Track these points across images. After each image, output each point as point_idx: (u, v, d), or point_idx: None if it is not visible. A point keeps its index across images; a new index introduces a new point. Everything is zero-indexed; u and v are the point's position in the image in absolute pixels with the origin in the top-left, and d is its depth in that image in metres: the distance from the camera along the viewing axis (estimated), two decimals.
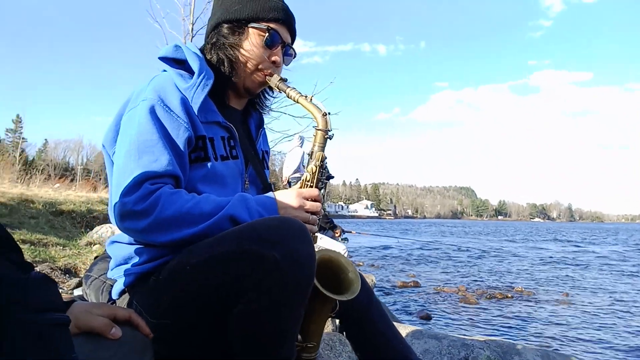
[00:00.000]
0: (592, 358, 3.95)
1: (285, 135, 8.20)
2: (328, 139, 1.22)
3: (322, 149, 1.21)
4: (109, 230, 6.43)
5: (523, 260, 13.65)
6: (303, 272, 0.93)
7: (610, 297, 7.43)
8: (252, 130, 1.41)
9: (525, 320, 5.57)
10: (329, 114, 1.21)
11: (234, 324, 0.95)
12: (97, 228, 6.82)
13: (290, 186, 8.48)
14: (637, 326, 5.34)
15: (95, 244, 5.98)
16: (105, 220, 8.35)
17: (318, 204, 1.17)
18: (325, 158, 1.22)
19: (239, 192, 1.24)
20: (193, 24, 7.50)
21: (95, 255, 4.93)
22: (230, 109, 1.30)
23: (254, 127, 1.43)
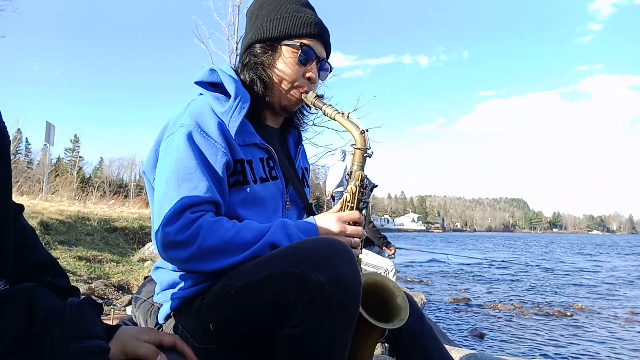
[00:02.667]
0: None
1: (329, 150, 8.20)
2: (367, 157, 1.17)
3: (362, 168, 1.16)
4: None
5: (584, 275, 12.89)
6: (348, 296, 0.89)
7: None
8: (290, 148, 1.39)
9: (587, 340, 5.21)
10: (367, 131, 1.17)
11: (279, 348, 0.92)
12: (148, 244, 7.04)
13: (334, 200, 8.48)
14: None
15: (147, 260, 6.16)
16: None
17: (360, 228, 1.12)
18: (366, 177, 1.17)
19: (280, 213, 1.22)
20: (237, 43, 7.69)
21: (145, 274, 5.07)
22: (267, 128, 1.28)
23: (293, 144, 1.40)
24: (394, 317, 1.09)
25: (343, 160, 8.18)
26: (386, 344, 2.38)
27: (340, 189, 7.96)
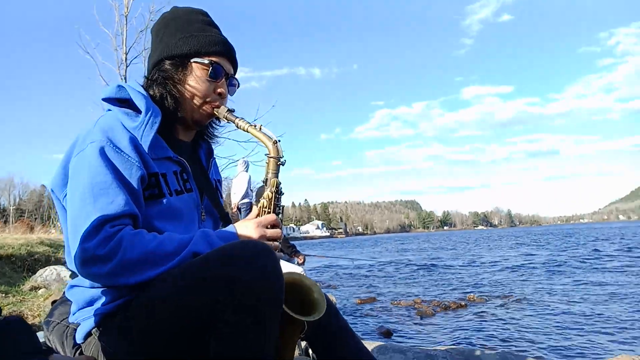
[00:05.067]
0: (549, 356, 4.12)
1: (231, 161, 8.12)
2: (281, 165, 1.24)
3: (276, 175, 1.23)
4: (53, 272, 6.07)
5: (473, 269, 14.12)
6: (274, 289, 0.95)
7: (562, 297, 7.81)
8: (202, 160, 1.42)
9: (481, 326, 5.75)
10: (279, 141, 1.24)
11: (213, 350, 0.94)
12: (40, 271, 6.41)
13: (240, 212, 8.37)
14: (586, 323, 5.65)
15: (40, 288, 5.60)
16: (48, 262, 7.84)
17: (278, 230, 1.19)
18: (280, 184, 1.24)
19: (196, 224, 1.24)
20: (127, 54, 7.36)
21: (40, 302, 4.63)
22: (179, 142, 1.30)
23: (204, 157, 1.43)
24: (313, 311, 1.17)
25: (247, 171, 8.12)
26: (302, 343, 2.46)
27: (246, 200, 7.89)
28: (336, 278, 13.07)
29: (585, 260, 13.93)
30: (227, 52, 1.29)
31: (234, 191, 8.00)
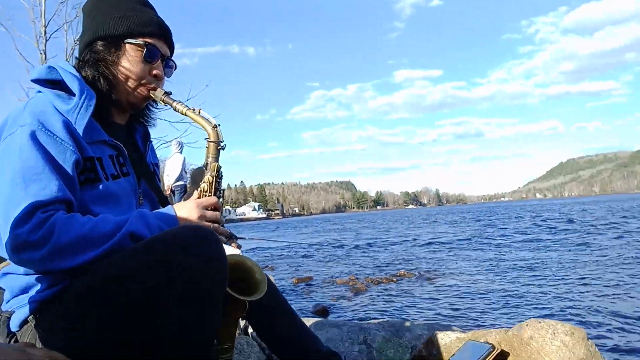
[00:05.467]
0: (471, 324, 4.45)
1: (163, 142, 7.86)
2: (221, 150, 1.26)
3: (216, 159, 1.24)
4: None
5: (404, 246, 14.76)
6: (218, 272, 0.98)
7: (484, 268, 8.39)
8: (139, 144, 1.39)
9: (411, 300, 6.07)
10: (219, 125, 1.25)
11: (157, 334, 0.95)
12: None
13: (174, 195, 8.13)
14: (504, 290, 6.14)
15: None
16: None
17: (218, 213, 1.20)
18: (220, 168, 1.26)
19: (134, 209, 1.23)
20: (46, 27, 6.82)
21: None
22: (114, 125, 1.27)
23: (141, 140, 1.41)
24: (255, 291, 1.21)
25: (180, 153, 7.89)
26: (241, 322, 2.50)
27: (180, 182, 7.69)
28: (273, 259, 13.16)
29: (505, 237, 15.01)
30: (163, 33, 1.26)
31: (167, 173, 7.75)
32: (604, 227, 15.40)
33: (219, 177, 1.25)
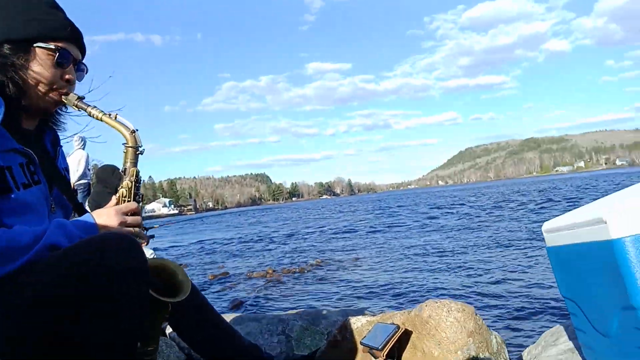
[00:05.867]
0: (381, 307, 4.74)
1: (63, 137, 7.32)
2: (140, 154, 1.27)
3: (135, 164, 1.26)
4: None
5: (317, 236, 15.12)
6: (139, 278, 1.00)
7: (391, 254, 8.88)
8: (49, 149, 1.35)
9: (327, 287, 6.31)
10: (137, 130, 1.26)
11: (81, 343, 0.96)
12: None
13: (76, 194, 7.61)
14: (409, 273, 6.59)
15: None
16: None
17: (139, 217, 1.22)
18: (139, 172, 1.27)
19: (47, 217, 1.21)
20: None
21: None
22: (24, 131, 1.23)
23: (50, 145, 1.37)
24: (178, 292, 1.25)
25: (83, 149, 7.39)
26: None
27: (84, 181, 7.22)
28: (187, 256, 12.84)
29: (410, 224, 15.95)
30: (74, 36, 1.24)
31: (71, 170, 7.24)
32: (494, 210, 16.99)
33: (137, 181, 1.26)
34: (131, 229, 1.19)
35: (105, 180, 3.77)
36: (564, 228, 1.15)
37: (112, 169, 3.80)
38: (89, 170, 7.45)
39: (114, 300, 0.96)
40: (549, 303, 4.08)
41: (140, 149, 1.26)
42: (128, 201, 1.23)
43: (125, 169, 1.25)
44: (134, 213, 1.22)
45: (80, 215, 1.29)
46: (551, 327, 1.74)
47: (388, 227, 15.49)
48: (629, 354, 0.98)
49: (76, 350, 0.98)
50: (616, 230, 0.92)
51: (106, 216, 1.16)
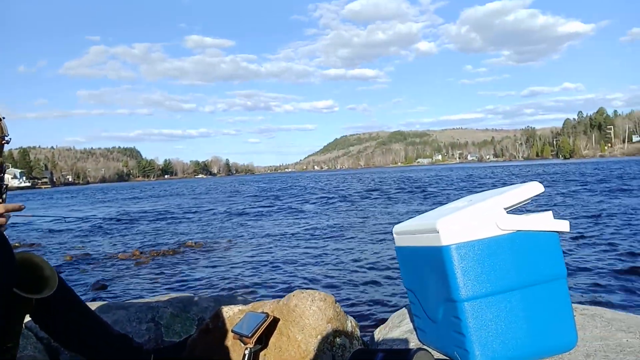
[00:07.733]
0: (253, 296, 4.87)
1: None
2: (5, 144, 1.20)
3: (0, 154, 1.19)
4: None
5: (190, 216, 14.75)
6: (6, 274, 0.97)
7: (265, 240, 9.05)
8: None
9: (199, 271, 6.26)
10: (4, 118, 1.19)
11: None
12: None
13: None
14: (280, 261, 6.83)
15: None
16: None
17: (3, 219, 1.16)
18: (4, 163, 1.20)
19: None
20: None
21: None
22: None
23: None
24: (44, 287, 1.22)
25: None
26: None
27: None
28: (40, 235, 11.63)
29: (288, 209, 16.38)
30: None
31: None
32: (364, 198, 18.23)
33: (1, 171, 1.19)
34: None
35: None
36: (409, 232, 1.38)
37: None
38: None
39: None
40: (398, 291, 4.61)
41: (6, 138, 1.19)
42: None
43: None
44: None
45: None
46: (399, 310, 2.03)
47: (267, 209, 15.70)
48: (448, 336, 1.24)
49: None
50: (445, 238, 1.15)
51: None
